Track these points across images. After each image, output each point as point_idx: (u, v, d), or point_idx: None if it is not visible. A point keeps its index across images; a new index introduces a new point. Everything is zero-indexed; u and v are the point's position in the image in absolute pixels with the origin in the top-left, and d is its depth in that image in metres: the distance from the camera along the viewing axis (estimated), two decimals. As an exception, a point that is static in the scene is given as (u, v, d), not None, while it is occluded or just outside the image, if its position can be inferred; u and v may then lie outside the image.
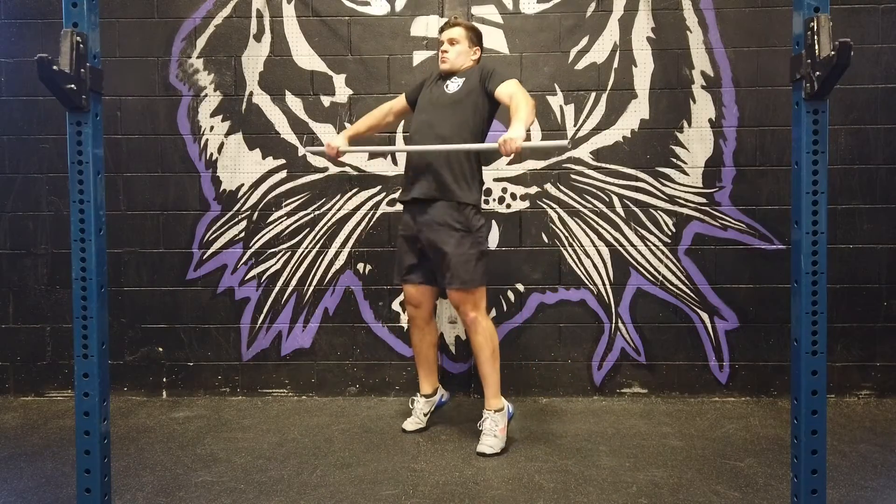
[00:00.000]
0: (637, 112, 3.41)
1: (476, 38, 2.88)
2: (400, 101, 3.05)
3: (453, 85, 2.80)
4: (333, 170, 3.47)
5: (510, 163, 3.39)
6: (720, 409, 3.27)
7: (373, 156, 3.46)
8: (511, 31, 3.42)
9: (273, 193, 3.48)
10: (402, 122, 3.37)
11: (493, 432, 2.70)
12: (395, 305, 3.48)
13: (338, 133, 3.45)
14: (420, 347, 3.00)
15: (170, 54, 3.47)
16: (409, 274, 2.89)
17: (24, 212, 3.50)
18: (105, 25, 3.36)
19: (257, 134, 3.48)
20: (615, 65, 3.41)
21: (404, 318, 3.47)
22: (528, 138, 2.68)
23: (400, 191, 3.05)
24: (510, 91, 2.62)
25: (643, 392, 3.45)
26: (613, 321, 3.45)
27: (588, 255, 3.43)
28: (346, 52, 3.46)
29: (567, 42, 3.42)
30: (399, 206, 3.44)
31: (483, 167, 3.40)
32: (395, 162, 3.44)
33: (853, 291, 3.39)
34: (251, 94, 3.47)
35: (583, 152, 3.42)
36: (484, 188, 3.40)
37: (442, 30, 2.89)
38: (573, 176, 3.42)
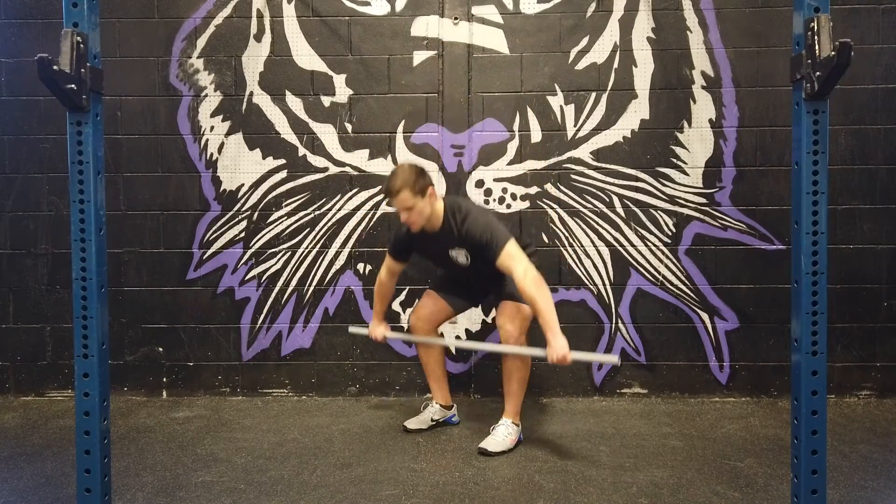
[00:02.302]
0: (637, 112, 3.41)
1: (423, 184, 2.61)
2: (392, 264, 2.93)
3: (461, 256, 2.72)
4: (334, 170, 3.47)
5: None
6: (720, 409, 3.27)
7: (373, 156, 3.46)
8: (511, 31, 3.42)
9: (273, 193, 3.48)
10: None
11: (503, 436, 2.72)
12: (395, 305, 3.48)
13: (337, 129, 3.45)
14: (427, 362, 3.02)
15: (170, 54, 3.46)
16: (443, 286, 2.94)
17: (24, 212, 3.50)
18: (105, 25, 3.35)
19: (257, 134, 3.48)
20: (615, 65, 3.41)
21: (404, 317, 3.47)
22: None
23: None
24: (509, 269, 2.55)
25: (643, 392, 3.45)
26: (613, 321, 3.45)
27: (588, 256, 3.43)
28: (346, 52, 3.46)
29: (567, 42, 3.42)
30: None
31: (485, 167, 3.41)
32: (394, 162, 3.44)
33: (853, 291, 3.39)
34: (251, 94, 3.47)
35: (583, 152, 3.42)
36: (485, 188, 3.41)
37: (388, 201, 2.72)
38: (573, 176, 3.42)
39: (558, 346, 2.44)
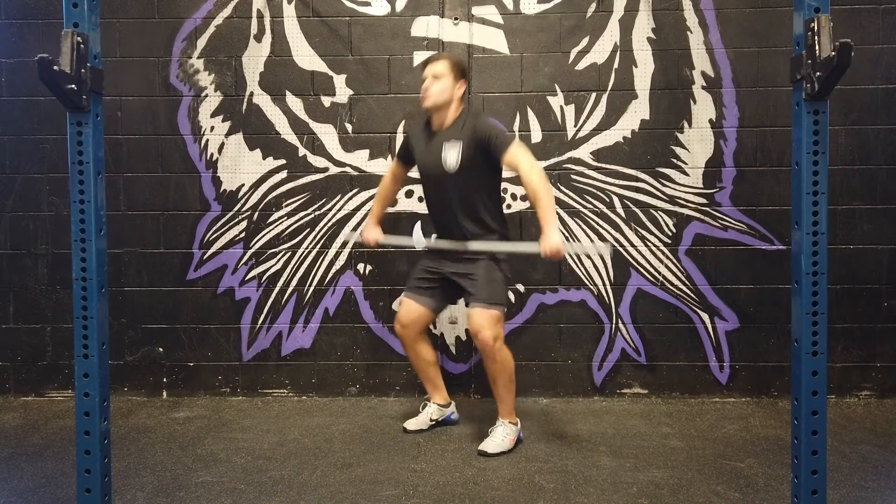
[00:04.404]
0: (637, 112, 3.41)
1: (461, 71, 2.77)
2: (396, 167, 3.01)
3: (451, 155, 2.68)
4: (334, 170, 3.47)
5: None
6: (720, 409, 3.27)
7: (373, 156, 3.46)
8: (511, 32, 3.42)
9: (273, 194, 3.48)
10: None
11: (501, 437, 2.72)
12: (396, 305, 3.48)
13: (338, 129, 3.46)
14: (418, 366, 3.00)
15: (170, 54, 3.47)
16: (416, 289, 2.89)
17: (24, 212, 3.50)
18: (105, 25, 3.35)
19: (258, 134, 3.48)
20: (615, 65, 3.41)
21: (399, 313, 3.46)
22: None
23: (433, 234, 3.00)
24: (515, 163, 2.58)
25: (643, 392, 3.45)
26: (614, 321, 3.45)
27: (588, 256, 3.43)
28: (346, 53, 3.46)
29: (567, 42, 3.42)
30: (399, 206, 3.44)
31: None
32: (395, 162, 3.44)
33: (853, 292, 3.39)
34: (251, 94, 3.47)
35: (583, 153, 3.42)
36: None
37: (426, 64, 2.78)
38: (573, 176, 3.42)
39: (553, 239, 2.45)
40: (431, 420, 2.98)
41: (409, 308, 2.90)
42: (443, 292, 2.88)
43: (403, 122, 3.43)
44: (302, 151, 3.47)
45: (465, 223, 2.73)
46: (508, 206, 3.41)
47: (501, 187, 2.85)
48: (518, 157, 2.58)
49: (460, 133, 2.69)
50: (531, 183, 2.53)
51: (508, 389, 2.76)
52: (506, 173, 3.39)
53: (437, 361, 3.06)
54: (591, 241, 3.40)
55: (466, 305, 2.77)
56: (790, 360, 1.74)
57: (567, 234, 3.42)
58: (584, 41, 3.41)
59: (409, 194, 3.43)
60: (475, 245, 2.71)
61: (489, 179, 2.76)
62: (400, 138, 3.43)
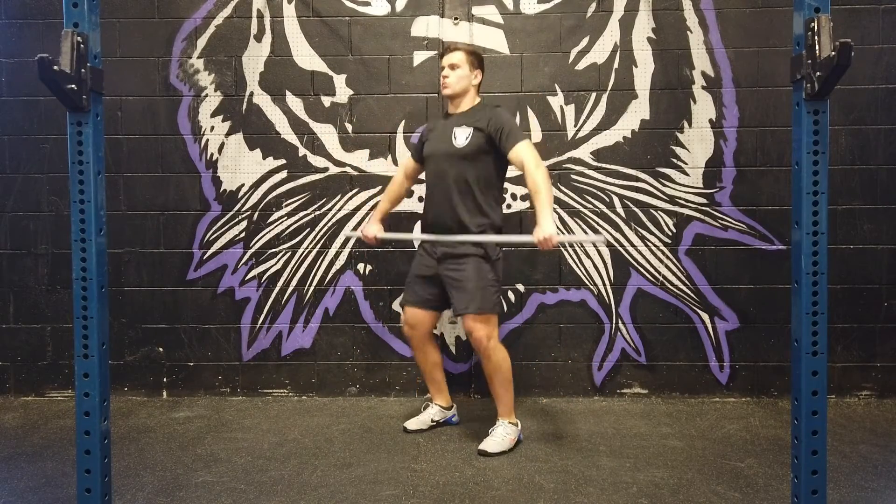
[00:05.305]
0: (637, 112, 3.41)
1: (477, 61, 2.83)
2: (409, 164, 3.03)
3: (461, 135, 2.72)
4: (334, 170, 3.47)
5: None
6: (720, 409, 3.27)
7: (373, 156, 3.46)
8: (511, 32, 3.42)
9: (273, 193, 3.48)
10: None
11: (502, 437, 2.71)
12: (396, 306, 3.48)
13: (338, 129, 3.46)
14: (425, 368, 3.01)
15: (170, 54, 3.47)
16: (416, 300, 2.89)
17: (24, 212, 3.50)
18: (105, 25, 3.35)
19: (258, 134, 3.48)
20: (615, 65, 3.41)
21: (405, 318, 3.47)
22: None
23: (420, 223, 3.00)
24: (521, 160, 2.60)
25: (643, 392, 3.45)
26: (614, 321, 3.45)
27: (588, 256, 3.43)
28: (346, 53, 3.46)
29: (567, 42, 3.42)
30: (399, 207, 3.44)
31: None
32: (395, 162, 3.44)
33: (853, 292, 3.39)
34: (251, 94, 3.47)
35: (583, 152, 3.42)
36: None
37: (442, 55, 2.87)
38: (573, 176, 3.42)
39: (547, 228, 2.45)
40: (433, 421, 2.98)
41: (413, 313, 2.91)
42: (441, 292, 2.88)
43: (403, 122, 3.43)
44: (302, 151, 3.47)
45: (461, 211, 2.71)
46: (508, 206, 3.41)
47: (504, 186, 2.85)
48: (525, 155, 2.61)
49: (474, 119, 2.74)
50: (534, 179, 2.55)
51: (506, 389, 2.77)
52: (509, 172, 3.41)
53: (442, 363, 3.06)
54: (592, 241, 3.41)
55: (455, 315, 2.79)
56: (790, 360, 1.74)
57: (567, 234, 3.41)
58: (584, 41, 3.41)
59: (409, 194, 3.43)
60: (470, 237, 2.69)
61: (493, 170, 2.75)
62: (400, 138, 3.44)
